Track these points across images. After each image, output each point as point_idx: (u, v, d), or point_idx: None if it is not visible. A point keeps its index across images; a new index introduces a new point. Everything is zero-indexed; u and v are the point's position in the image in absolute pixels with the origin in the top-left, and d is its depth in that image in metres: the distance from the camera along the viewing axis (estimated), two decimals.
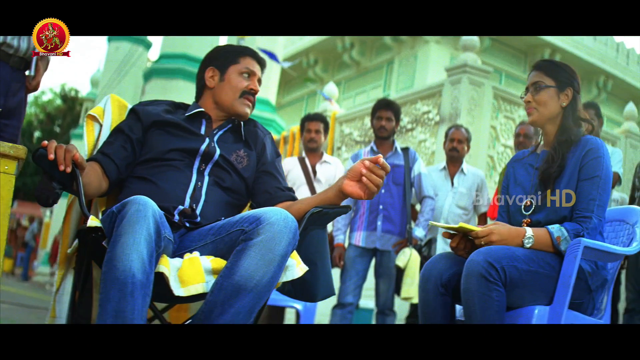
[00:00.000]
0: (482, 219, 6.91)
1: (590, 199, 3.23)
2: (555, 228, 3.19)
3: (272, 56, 13.67)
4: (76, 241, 2.89)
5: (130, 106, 3.28)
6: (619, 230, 3.59)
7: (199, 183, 3.01)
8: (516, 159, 3.69)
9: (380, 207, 6.25)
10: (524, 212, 3.41)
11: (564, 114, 3.45)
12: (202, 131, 3.15)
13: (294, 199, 3.17)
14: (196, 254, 2.62)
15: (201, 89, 3.28)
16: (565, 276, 3.10)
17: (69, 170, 2.57)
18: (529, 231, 3.18)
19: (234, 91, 3.19)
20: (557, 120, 3.46)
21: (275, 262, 2.47)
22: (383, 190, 6.23)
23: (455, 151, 6.82)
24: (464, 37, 10.69)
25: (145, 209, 2.42)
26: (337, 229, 6.41)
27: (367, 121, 12.43)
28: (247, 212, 2.67)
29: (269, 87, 15.98)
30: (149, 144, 3.07)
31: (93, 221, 2.55)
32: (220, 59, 3.25)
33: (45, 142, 2.60)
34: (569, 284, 3.07)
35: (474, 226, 3.19)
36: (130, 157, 3.05)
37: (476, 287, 2.97)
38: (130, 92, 21.52)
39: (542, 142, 3.59)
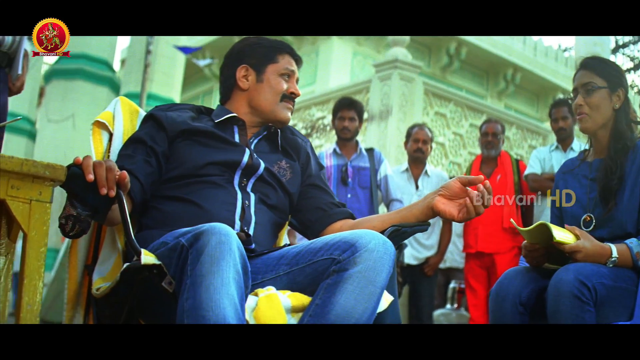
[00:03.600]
0: (448, 221, 6.58)
1: None
2: (634, 243, 2.93)
3: (189, 51, 13.39)
4: (93, 278, 2.41)
5: (142, 111, 2.77)
6: None
7: (246, 202, 2.54)
8: (566, 169, 3.38)
9: None
10: (584, 229, 3.10)
11: (617, 117, 3.18)
12: (237, 140, 2.67)
13: (352, 215, 2.77)
14: (272, 289, 2.17)
15: (230, 89, 2.80)
16: None
17: (113, 193, 2.07)
18: (614, 252, 2.89)
19: (274, 94, 2.73)
20: (609, 125, 3.19)
21: (375, 295, 2.09)
22: (349, 195, 5.90)
23: (420, 152, 6.56)
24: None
25: (229, 241, 1.97)
26: (299, 238, 5.99)
27: None
28: (331, 236, 2.24)
29: (173, 85, 15.46)
30: (177, 158, 2.56)
31: (148, 257, 2.03)
32: (256, 57, 2.78)
33: (79, 157, 2.07)
34: None
35: (564, 237, 2.88)
36: (156, 173, 2.53)
37: (569, 309, 2.70)
38: (27, 94, 20.64)
39: (591, 149, 3.31)
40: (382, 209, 6.34)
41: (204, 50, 20.93)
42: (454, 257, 7.65)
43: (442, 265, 7.27)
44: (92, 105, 14.64)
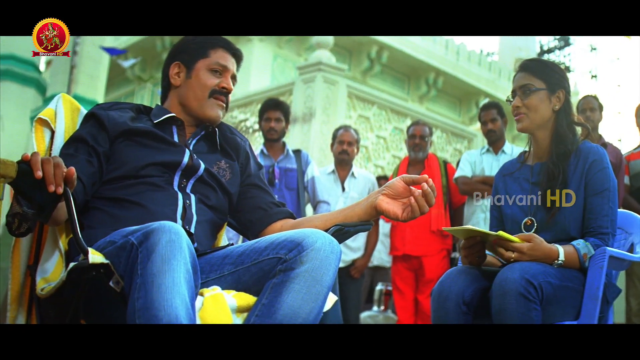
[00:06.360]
0: (375, 224, 6.60)
1: (604, 215, 3.06)
2: (581, 244, 2.98)
3: (115, 52, 13.25)
4: (36, 278, 2.34)
5: (82, 109, 2.72)
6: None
7: (187, 201, 2.52)
8: (506, 172, 3.40)
9: None
10: (525, 232, 3.12)
11: (557, 119, 3.21)
12: (176, 140, 2.64)
13: (292, 215, 2.79)
14: (217, 289, 2.16)
15: (166, 88, 2.78)
16: (592, 289, 2.92)
17: (60, 191, 2.05)
18: (562, 255, 2.93)
19: (202, 91, 2.68)
20: (549, 126, 3.22)
21: (322, 295, 2.10)
22: (276, 197, 5.82)
23: (346, 154, 6.56)
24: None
25: (179, 239, 1.97)
26: (229, 238, 5.95)
27: None
28: (276, 235, 2.24)
29: (97, 87, 15.23)
30: (118, 158, 2.52)
31: (96, 256, 2.01)
32: (187, 53, 2.74)
33: (28, 154, 2.05)
34: (597, 297, 2.89)
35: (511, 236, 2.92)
36: (97, 174, 2.49)
37: (515, 307, 2.71)
38: None
39: (531, 151, 3.33)
40: (309, 210, 6.35)
41: (128, 51, 20.72)
42: (381, 256, 7.69)
43: (369, 264, 7.30)
44: (19, 106, 14.42)
